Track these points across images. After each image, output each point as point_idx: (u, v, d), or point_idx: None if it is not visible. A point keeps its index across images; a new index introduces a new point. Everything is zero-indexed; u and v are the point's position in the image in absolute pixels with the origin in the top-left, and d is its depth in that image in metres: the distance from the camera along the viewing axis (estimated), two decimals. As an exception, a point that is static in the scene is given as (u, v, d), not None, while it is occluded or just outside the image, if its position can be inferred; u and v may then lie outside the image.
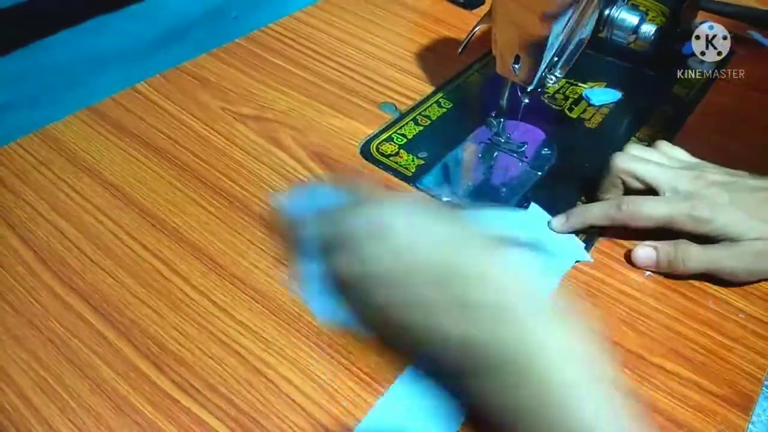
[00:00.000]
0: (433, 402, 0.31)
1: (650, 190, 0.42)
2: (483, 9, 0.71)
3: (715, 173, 0.42)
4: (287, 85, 0.57)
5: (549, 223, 0.44)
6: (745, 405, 0.35)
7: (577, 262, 0.42)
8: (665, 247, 0.41)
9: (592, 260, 0.43)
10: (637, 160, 0.43)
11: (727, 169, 0.43)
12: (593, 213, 0.43)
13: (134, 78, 0.56)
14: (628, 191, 0.43)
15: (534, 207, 0.46)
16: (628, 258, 0.43)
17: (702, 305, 0.40)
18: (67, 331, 0.37)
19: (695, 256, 0.40)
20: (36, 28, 0.55)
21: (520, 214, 0.46)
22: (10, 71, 0.54)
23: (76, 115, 0.52)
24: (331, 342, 0.37)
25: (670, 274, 0.41)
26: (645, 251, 0.42)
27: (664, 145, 0.45)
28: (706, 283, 0.41)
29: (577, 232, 0.44)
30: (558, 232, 0.44)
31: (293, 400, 0.34)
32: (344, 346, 0.37)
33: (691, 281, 0.41)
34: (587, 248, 0.43)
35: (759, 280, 0.41)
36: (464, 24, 0.68)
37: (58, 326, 0.37)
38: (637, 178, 0.42)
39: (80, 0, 0.57)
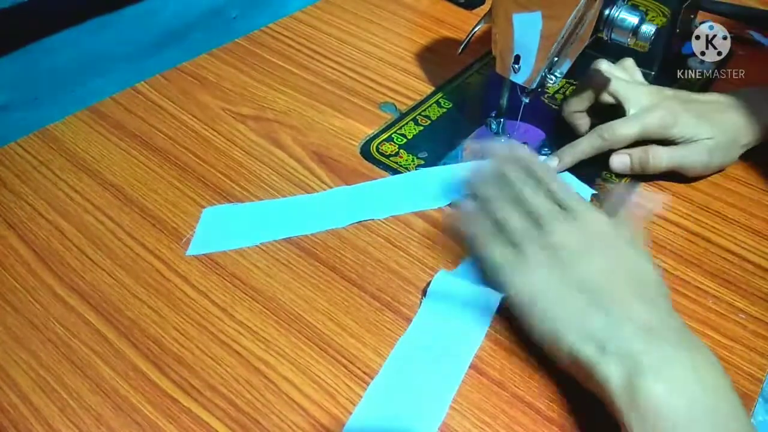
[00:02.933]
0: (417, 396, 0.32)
1: (616, 102, 0.48)
2: (483, 9, 0.71)
3: (669, 89, 0.49)
4: (287, 85, 0.57)
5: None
6: (746, 405, 0.35)
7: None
8: (637, 152, 0.47)
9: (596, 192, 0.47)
10: (613, 78, 0.49)
11: (677, 89, 0.50)
12: (582, 148, 0.48)
13: (134, 78, 0.57)
14: (595, 104, 0.50)
15: None
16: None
17: (702, 305, 0.40)
18: (67, 331, 0.37)
19: (662, 155, 0.47)
20: (36, 28, 0.55)
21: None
22: (11, 71, 0.54)
23: (76, 116, 0.52)
24: (330, 342, 0.37)
25: (642, 175, 0.48)
26: (619, 158, 0.48)
27: (627, 61, 0.51)
28: (706, 283, 0.41)
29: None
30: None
31: (293, 400, 0.34)
32: (344, 346, 0.37)
33: (691, 281, 0.42)
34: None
35: (712, 174, 0.49)
36: (464, 24, 0.68)
37: (58, 326, 0.37)
38: (610, 93, 0.48)
39: (80, 0, 0.57)
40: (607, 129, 0.47)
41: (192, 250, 0.42)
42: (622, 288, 0.34)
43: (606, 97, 0.49)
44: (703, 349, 0.31)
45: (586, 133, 0.49)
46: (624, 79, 0.49)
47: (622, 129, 0.47)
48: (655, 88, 0.49)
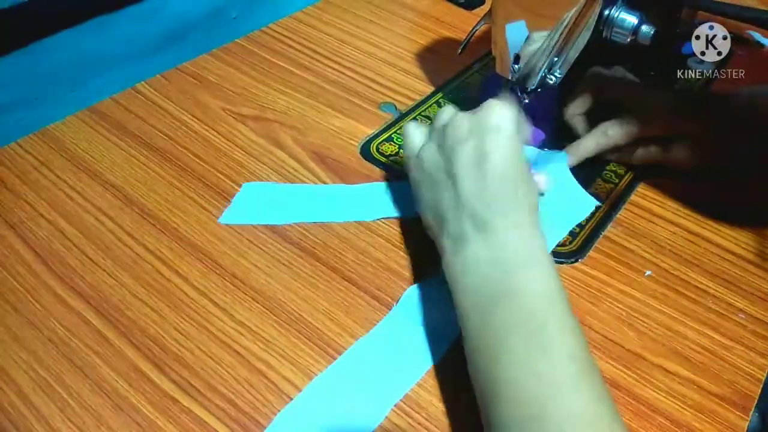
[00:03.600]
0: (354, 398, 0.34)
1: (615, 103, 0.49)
2: (483, 9, 0.71)
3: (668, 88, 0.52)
4: (287, 86, 0.57)
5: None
6: (745, 405, 0.35)
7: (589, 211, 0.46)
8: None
9: (600, 203, 0.46)
10: (609, 81, 0.50)
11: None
12: (588, 146, 0.48)
13: (135, 78, 0.57)
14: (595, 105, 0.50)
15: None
16: (629, 258, 0.43)
17: (702, 305, 0.40)
18: (67, 331, 0.37)
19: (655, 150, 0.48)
20: (36, 29, 0.55)
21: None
22: (11, 71, 0.54)
23: (76, 116, 0.52)
24: (331, 342, 0.37)
25: (643, 175, 0.49)
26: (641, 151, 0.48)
27: (618, 70, 0.52)
28: (706, 283, 0.41)
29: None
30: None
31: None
32: (344, 347, 0.37)
33: (691, 281, 0.42)
34: (588, 249, 0.43)
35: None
36: (464, 24, 0.68)
37: (58, 326, 0.37)
38: (611, 93, 0.49)
39: (81, 0, 0.57)
40: (611, 126, 0.48)
41: (224, 219, 0.44)
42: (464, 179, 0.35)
43: (605, 98, 0.49)
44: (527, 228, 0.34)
45: (586, 132, 0.49)
46: (625, 78, 0.50)
47: (626, 127, 0.47)
48: (657, 85, 0.50)
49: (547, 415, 0.28)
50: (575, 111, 0.51)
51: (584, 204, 0.46)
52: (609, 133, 0.48)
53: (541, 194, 0.45)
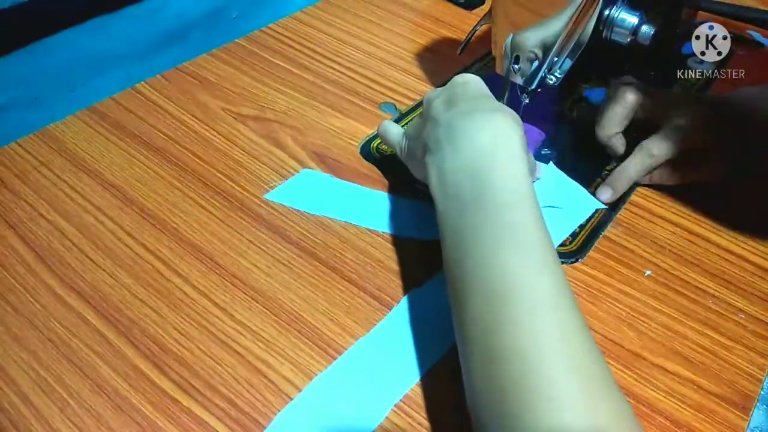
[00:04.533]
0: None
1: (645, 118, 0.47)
2: (483, 9, 0.71)
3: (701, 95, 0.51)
4: (287, 85, 0.57)
5: (598, 200, 0.47)
6: (745, 405, 0.35)
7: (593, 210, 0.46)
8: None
9: (605, 206, 0.46)
10: (643, 92, 0.47)
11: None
12: (633, 170, 0.46)
13: (135, 78, 0.57)
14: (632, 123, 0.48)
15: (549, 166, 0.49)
16: (628, 258, 0.43)
17: (702, 305, 0.40)
18: (67, 330, 0.37)
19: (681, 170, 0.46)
20: (36, 29, 0.55)
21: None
22: (11, 71, 0.54)
23: (76, 116, 0.52)
24: (331, 342, 0.37)
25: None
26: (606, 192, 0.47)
27: (627, 79, 0.49)
28: (706, 283, 0.41)
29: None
30: (609, 203, 0.47)
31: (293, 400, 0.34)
32: (344, 347, 0.37)
33: (691, 281, 0.42)
34: (588, 249, 0.43)
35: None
36: (464, 24, 0.68)
37: (58, 326, 0.37)
38: (645, 109, 0.47)
39: (80, 0, 0.57)
40: (654, 145, 0.45)
41: (271, 196, 0.45)
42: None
43: (638, 113, 0.47)
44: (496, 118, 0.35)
45: (624, 152, 0.47)
46: (651, 90, 0.47)
47: (666, 144, 0.45)
48: (687, 97, 0.48)
49: (516, 300, 0.29)
50: (612, 131, 0.48)
51: (587, 204, 0.46)
52: (654, 153, 0.45)
53: (537, 179, 0.46)
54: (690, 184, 0.46)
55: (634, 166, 0.46)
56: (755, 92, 0.48)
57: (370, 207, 0.45)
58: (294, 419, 0.33)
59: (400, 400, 0.34)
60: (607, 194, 0.46)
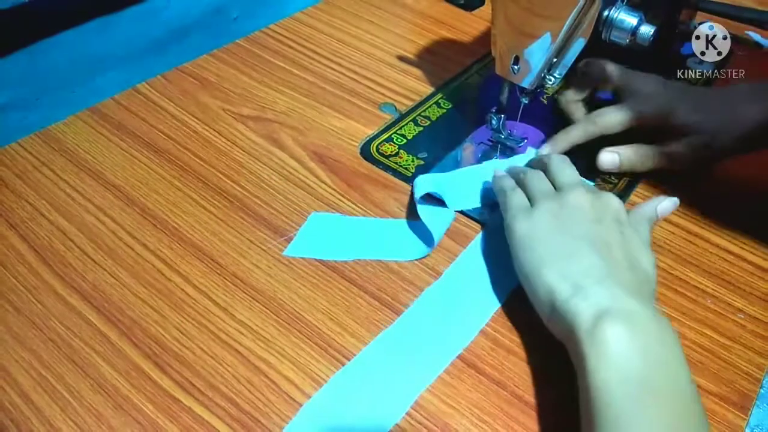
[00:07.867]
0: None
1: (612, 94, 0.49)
2: (482, 10, 0.71)
3: (672, 81, 0.49)
4: (287, 86, 0.57)
5: (536, 153, 0.49)
6: (744, 404, 0.35)
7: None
8: (626, 150, 0.47)
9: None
10: (612, 66, 0.49)
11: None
12: (575, 134, 0.48)
13: (135, 79, 0.57)
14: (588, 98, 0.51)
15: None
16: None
17: (701, 305, 0.40)
18: (68, 330, 0.37)
19: (650, 154, 0.47)
20: (37, 29, 0.55)
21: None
22: (12, 72, 0.55)
23: (77, 116, 0.53)
24: (331, 341, 0.37)
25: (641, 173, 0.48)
26: (608, 156, 0.48)
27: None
28: (706, 283, 0.42)
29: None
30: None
31: (294, 400, 0.34)
32: (344, 346, 0.37)
33: (690, 281, 0.42)
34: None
35: (698, 168, 0.47)
36: (464, 25, 0.68)
37: (59, 326, 0.37)
38: (610, 80, 0.49)
39: (81, 1, 0.57)
40: (600, 114, 0.48)
41: (289, 251, 0.42)
42: (616, 256, 0.35)
43: (603, 86, 0.50)
44: (669, 326, 0.32)
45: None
46: (622, 68, 0.49)
47: (616, 114, 0.47)
48: (654, 77, 0.49)
49: None
50: (571, 98, 0.51)
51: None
52: (597, 121, 0.48)
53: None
54: (659, 171, 0.47)
55: (575, 130, 0.48)
56: (744, 89, 0.47)
57: (386, 238, 0.44)
58: (306, 425, 0.33)
59: (411, 407, 0.34)
60: (545, 150, 0.49)
